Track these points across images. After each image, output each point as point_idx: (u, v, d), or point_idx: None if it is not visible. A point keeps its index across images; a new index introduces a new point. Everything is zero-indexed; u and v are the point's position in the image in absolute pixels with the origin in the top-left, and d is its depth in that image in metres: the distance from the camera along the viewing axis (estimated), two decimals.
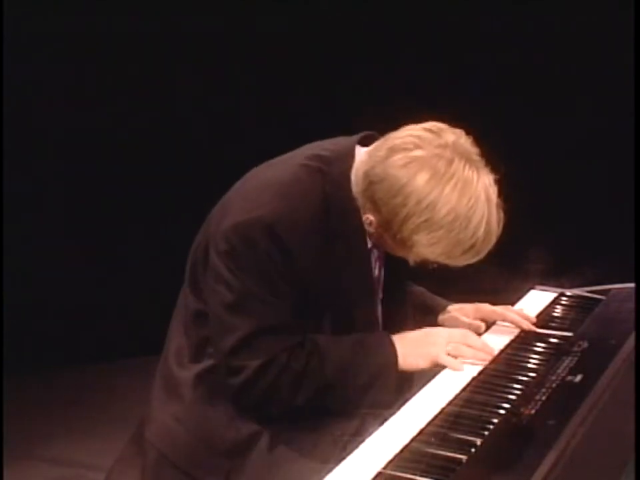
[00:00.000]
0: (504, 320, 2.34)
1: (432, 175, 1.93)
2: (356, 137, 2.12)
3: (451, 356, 2.10)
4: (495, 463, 1.69)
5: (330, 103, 4.60)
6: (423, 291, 2.44)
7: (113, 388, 4.42)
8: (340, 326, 2.11)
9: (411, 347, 2.10)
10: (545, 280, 2.57)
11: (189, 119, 4.64)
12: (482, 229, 1.95)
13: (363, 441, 1.80)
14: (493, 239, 1.99)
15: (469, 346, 2.12)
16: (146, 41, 4.52)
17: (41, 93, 4.42)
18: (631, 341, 2.15)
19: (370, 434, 1.82)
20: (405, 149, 1.97)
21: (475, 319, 2.34)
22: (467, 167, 1.95)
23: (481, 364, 2.09)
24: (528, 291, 2.57)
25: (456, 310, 2.37)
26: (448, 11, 4.74)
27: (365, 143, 2.11)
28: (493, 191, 1.98)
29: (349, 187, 2.05)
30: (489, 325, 2.35)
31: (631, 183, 3.14)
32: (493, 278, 2.47)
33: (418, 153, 1.95)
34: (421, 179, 1.93)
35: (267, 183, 2.07)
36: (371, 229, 2.05)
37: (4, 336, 3.99)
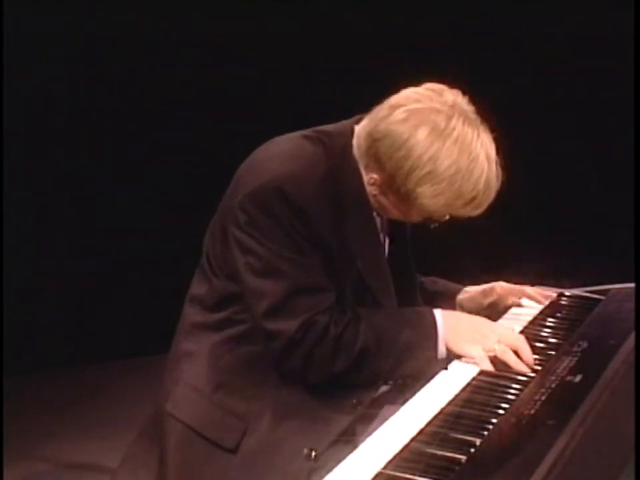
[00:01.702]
0: (522, 295, 2.39)
1: (432, 129, 2.01)
2: (354, 118, 2.19)
3: (495, 355, 2.09)
4: (495, 463, 1.69)
5: (330, 98, 4.60)
6: (436, 279, 2.50)
7: (113, 388, 4.43)
8: (358, 294, 2.16)
9: (464, 329, 2.13)
10: (544, 280, 2.57)
11: (191, 117, 4.65)
12: (482, 183, 2.03)
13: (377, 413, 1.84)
14: (493, 193, 2.07)
15: (517, 354, 2.10)
16: (147, 41, 4.53)
17: (40, 92, 4.43)
18: (630, 341, 2.15)
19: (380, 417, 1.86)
20: (405, 105, 2.05)
21: (490, 296, 2.40)
22: (466, 124, 2.04)
23: (520, 375, 2.07)
24: None
25: (471, 291, 2.42)
26: (448, 11, 4.75)
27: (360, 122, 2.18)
28: (492, 148, 2.07)
29: (351, 158, 2.12)
30: (502, 309, 2.39)
31: (631, 183, 3.14)
32: (493, 278, 2.47)
33: (417, 105, 2.04)
34: (422, 133, 2.01)
35: (272, 155, 2.15)
36: (374, 190, 2.11)
37: (4, 336, 3.99)
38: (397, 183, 2.05)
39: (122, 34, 4.48)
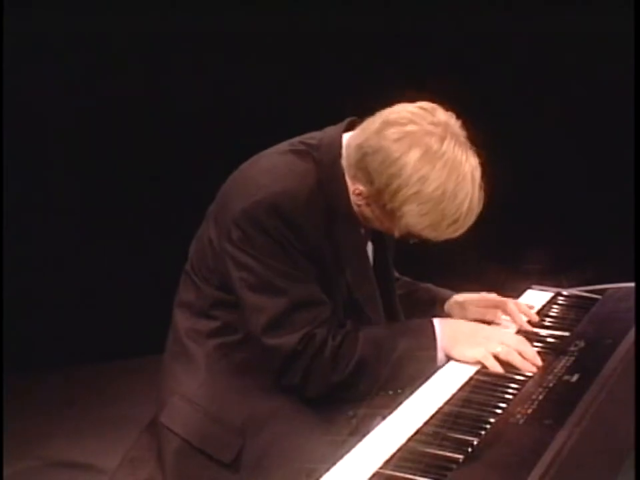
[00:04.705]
0: (504, 311, 2.36)
1: (425, 151, 2.02)
2: (341, 125, 2.19)
3: (499, 358, 2.10)
4: (492, 463, 1.70)
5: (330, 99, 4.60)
6: (429, 286, 2.49)
7: (111, 388, 4.42)
8: (346, 305, 2.17)
9: (463, 335, 2.14)
10: (542, 280, 2.57)
11: (188, 117, 4.65)
12: (466, 205, 2.05)
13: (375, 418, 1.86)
14: (474, 216, 2.09)
15: (521, 353, 2.11)
16: (147, 42, 4.53)
17: (41, 92, 4.43)
18: (627, 341, 2.15)
19: (381, 414, 1.87)
20: (399, 124, 2.05)
21: (479, 308, 2.37)
22: (457, 147, 2.05)
23: (527, 374, 2.08)
24: (525, 290, 2.57)
25: (460, 300, 2.41)
26: (448, 15, 4.74)
27: (349, 129, 2.18)
28: (477, 172, 2.08)
29: (339, 170, 2.12)
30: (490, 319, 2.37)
31: (630, 182, 3.14)
32: (490, 278, 2.48)
33: (411, 127, 2.04)
34: (414, 154, 2.02)
35: (263, 170, 2.15)
36: (358, 201, 2.12)
37: (4, 336, 3.99)
38: (383, 199, 2.05)
39: (121, 33, 4.48)
